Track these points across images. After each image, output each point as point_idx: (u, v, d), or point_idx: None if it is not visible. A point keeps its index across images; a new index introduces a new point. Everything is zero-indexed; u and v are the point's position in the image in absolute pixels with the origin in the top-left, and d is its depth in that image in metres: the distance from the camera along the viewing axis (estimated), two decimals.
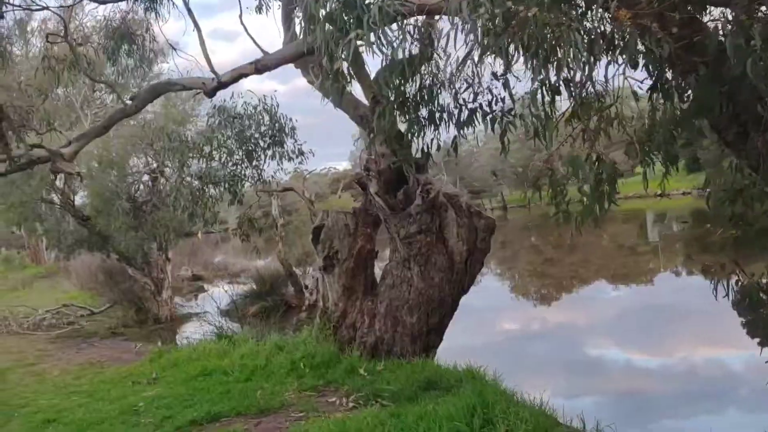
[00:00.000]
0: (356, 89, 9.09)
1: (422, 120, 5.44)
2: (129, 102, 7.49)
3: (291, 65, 8.55)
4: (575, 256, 29.10)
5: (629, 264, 25.02)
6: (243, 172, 10.95)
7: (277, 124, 11.04)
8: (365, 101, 9.15)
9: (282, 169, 11.04)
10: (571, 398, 7.67)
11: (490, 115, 4.86)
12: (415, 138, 5.82)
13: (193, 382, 7.94)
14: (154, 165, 16.21)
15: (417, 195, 8.38)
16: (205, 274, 30.91)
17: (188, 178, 10.76)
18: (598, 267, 24.89)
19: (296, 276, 19.39)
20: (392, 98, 5.17)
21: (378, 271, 9.78)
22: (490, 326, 15.78)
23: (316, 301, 16.77)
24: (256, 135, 10.94)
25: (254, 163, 10.95)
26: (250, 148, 10.94)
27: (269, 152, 11.01)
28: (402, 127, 6.34)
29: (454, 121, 5.11)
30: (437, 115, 5.34)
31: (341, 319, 9.35)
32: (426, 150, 6.00)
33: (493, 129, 4.81)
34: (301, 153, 10.87)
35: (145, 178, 16.23)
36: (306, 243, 19.18)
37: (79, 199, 17.45)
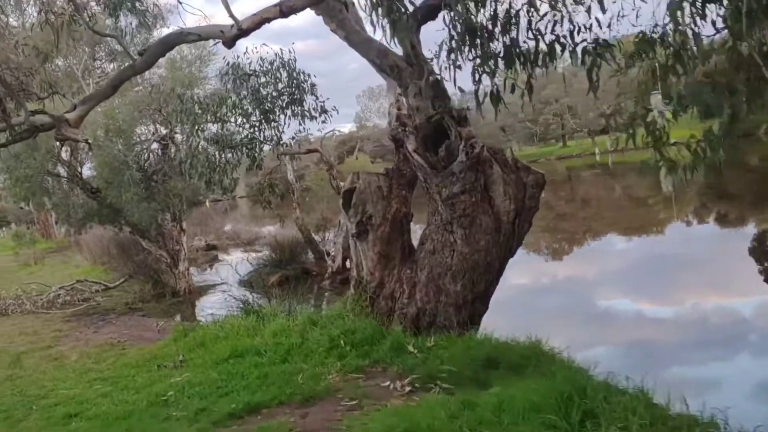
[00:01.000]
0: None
1: (495, 56, 4.58)
2: (138, 57, 6.67)
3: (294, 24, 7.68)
4: (588, 210, 28.46)
5: (642, 216, 24.46)
6: (262, 134, 10.14)
7: (294, 81, 10.16)
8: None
9: (305, 128, 10.21)
10: (582, 349, 7.40)
11: (573, 47, 4.01)
12: (485, 78, 4.91)
13: (224, 365, 7.27)
14: (164, 131, 15.39)
15: (460, 151, 7.55)
16: (219, 243, 30.32)
17: (203, 143, 9.96)
18: (611, 220, 24.47)
19: (315, 242, 18.69)
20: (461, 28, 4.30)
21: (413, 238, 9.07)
22: (501, 281, 15.26)
23: (339, 268, 16.13)
24: (274, 93, 10.08)
25: (273, 124, 10.11)
26: (267, 108, 10.09)
27: (288, 112, 10.15)
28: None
29: (531, 56, 4.26)
30: (513, 49, 4.47)
31: (378, 289, 8.65)
32: (486, 95, 5.10)
33: (583, 62, 3.97)
34: (324, 111, 10.00)
35: (155, 146, 15.42)
36: (323, 208, 18.48)
37: (86, 171, 16.70)
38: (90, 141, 6.61)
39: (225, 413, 5.47)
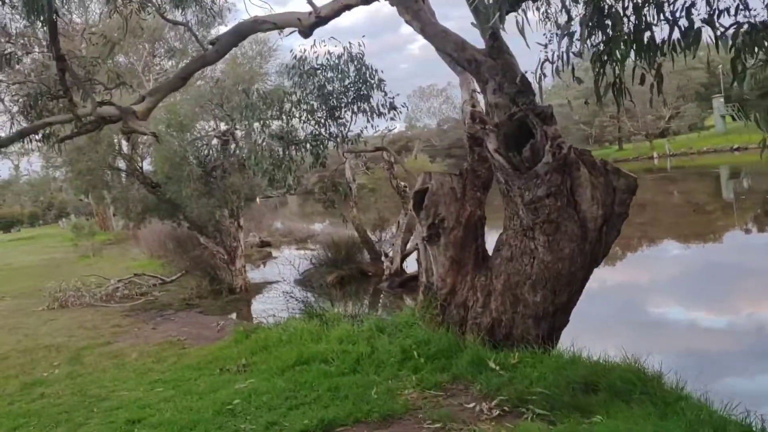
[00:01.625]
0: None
1: (627, 40, 4.03)
2: (209, 47, 6.37)
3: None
4: (644, 215, 27.55)
5: (700, 222, 23.41)
6: (327, 131, 9.76)
7: (362, 77, 9.75)
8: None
9: (372, 126, 9.78)
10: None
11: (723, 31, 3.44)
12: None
13: (290, 372, 6.91)
14: (223, 127, 15.23)
15: (546, 151, 6.99)
16: (272, 240, 30.31)
17: (268, 139, 9.63)
18: (668, 226, 23.59)
19: (371, 242, 18.31)
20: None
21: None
22: None
23: (397, 270, 15.70)
24: (340, 89, 9.69)
25: (339, 121, 9.73)
26: (333, 104, 9.71)
27: (354, 108, 9.75)
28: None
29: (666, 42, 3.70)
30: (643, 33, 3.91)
31: (449, 296, 8.16)
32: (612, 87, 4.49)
33: (728, 49, 3.41)
34: (393, 107, 9.56)
35: (214, 141, 15.27)
36: (380, 207, 18.07)
37: (146, 166, 16.70)
38: (157, 134, 6.38)
39: (298, 430, 5.08)
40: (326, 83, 9.62)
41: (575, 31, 3.88)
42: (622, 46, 4.03)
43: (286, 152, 9.57)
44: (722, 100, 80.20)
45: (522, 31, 3.94)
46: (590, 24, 3.90)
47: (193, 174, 13.73)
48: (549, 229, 7.19)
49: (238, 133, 14.48)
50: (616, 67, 4.32)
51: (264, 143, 9.38)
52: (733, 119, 77.90)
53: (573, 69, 4.49)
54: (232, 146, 15.10)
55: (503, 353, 6.39)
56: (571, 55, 4.13)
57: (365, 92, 9.76)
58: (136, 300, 16.35)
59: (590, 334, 8.54)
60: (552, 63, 4.12)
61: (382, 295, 15.19)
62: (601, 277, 16.03)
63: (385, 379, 6.22)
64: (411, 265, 16.54)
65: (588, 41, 4.05)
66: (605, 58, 4.17)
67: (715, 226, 22.30)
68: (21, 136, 6.42)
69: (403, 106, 9.56)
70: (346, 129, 9.68)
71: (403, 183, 15.06)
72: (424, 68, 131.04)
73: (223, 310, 14.99)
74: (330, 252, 17.96)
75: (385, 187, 17.12)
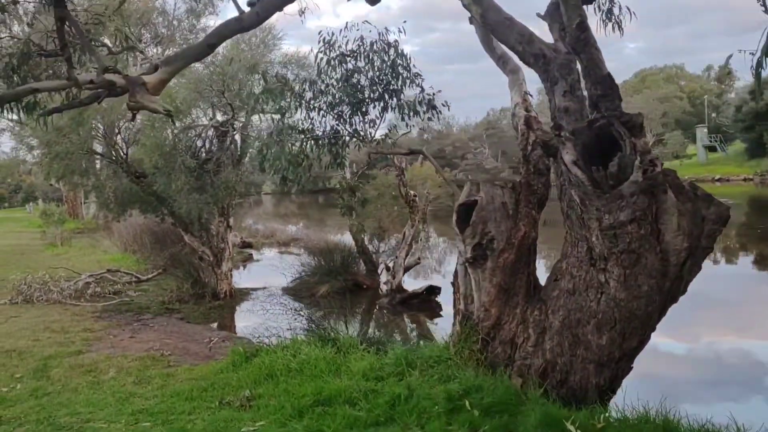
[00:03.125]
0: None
1: None
2: (247, 9, 5.14)
3: None
4: None
5: None
6: (354, 127, 8.53)
7: (395, 68, 8.56)
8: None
9: (407, 124, 8.52)
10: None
11: None
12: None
13: (309, 415, 5.65)
14: (220, 117, 13.90)
15: (635, 168, 5.84)
16: (254, 242, 28.88)
17: (286, 131, 8.31)
18: None
19: (369, 253, 17.08)
20: None
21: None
22: None
23: (399, 286, 14.50)
24: (371, 80, 8.48)
25: (366, 117, 8.51)
26: (361, 97, 8.50)
27: (384, 103, 8.55)
28: None
29: None
30: None
31: (494, 330, 6.98)
32: None
33: None
34: (432, 107, 8.33)
35: (210, 132, 13.92)
36: (382, 216, 16.86)
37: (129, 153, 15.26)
38: (172, 112, 5.09)
39: None
40: (355, 73, 8.39)
41: None
42: None
43: (307, 147, 8.30)
44: (705, 130, 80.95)
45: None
46: None
47: (186, 165, 12.37)
48: (627, 261, 6.05)
49: (237, 124, 13.17)
50: None
51: (281, 136, 8.08)
52: (714, 150, 78.60)
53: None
54: (229, 139, 13.77)
55: (582, 412, 5.20)
56: None
57: (397, 86, 8.55)
58: (109, 299, 14.89)
59: None
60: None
61: (383, 312, 13.96)
62: None
63: None
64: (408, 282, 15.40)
65: None
66: None
67: None
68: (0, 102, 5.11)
69: (443, 106, 8.33)
70: (376, 127, 8.48)
71: (412, 192, 13.87)
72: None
73: (206, 317, 13.63)
74: (322, 259, 16.66)
75: (389, 194, 15.92)
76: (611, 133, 6.04)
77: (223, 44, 14.60)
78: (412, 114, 8.19)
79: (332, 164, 8.91)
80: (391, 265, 14.80)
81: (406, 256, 14.29)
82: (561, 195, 6.69)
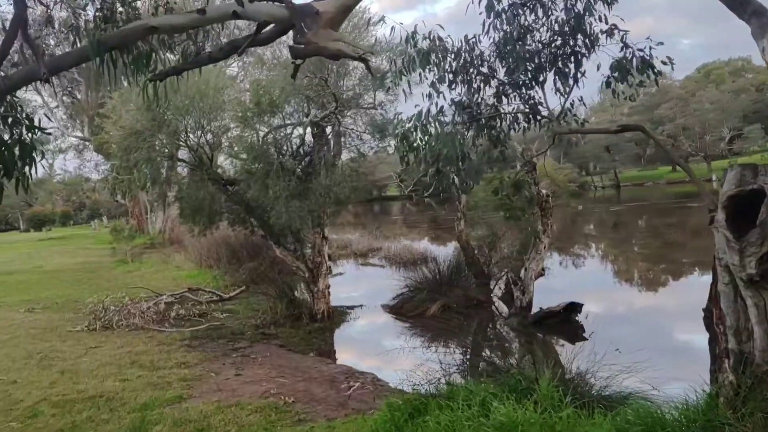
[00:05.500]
0: None
1: None
2: None
3: None
4: (701, 240, 24.82)
5: None
6: (526, 103, 6.46)
7: (576, 23, 6.43)
8: None
9: (617, 94, 6.32)
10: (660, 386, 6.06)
11: None
12: None
13: None
14: (317, 114, 12.05)
15: None
16: (330, 253, 27.04)
17: (450, 112, 6.30)
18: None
19: (480, 264, 14.96)
20: None
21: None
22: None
23: (529, 303, 12.32)
24: (552, 39, 6.38)
25: (547, 87, 6.41)
26: (537, 62, 6.42)
27: (568, 69, 6.44)
28: None
29: None
30: None
31: None
32: None
33: None
34: (649, 65, 6.08)
35: (306, 130, 12.06)
36: (491, 221, 14.74)
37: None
38: (367, 58, 3.31)
39: None
40: (530, 30, 6.33)
41: None
42: None
43: (473, 132, 6.25)
44: None
45: None
46: None
47: (286, 168, 10.52)
48: None
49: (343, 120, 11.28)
50: None
51: (439, 116, 6.05)
52: None
53: None
54: (329, 136, 11.90)
55: None
56: None
57: (582, 49, 6.44)
58: (196, 322, 13.19)
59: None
60: None
61: (518, 335, 11.79)
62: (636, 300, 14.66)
63: None
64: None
65: None
66: None
67: None
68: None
69: (666, 64, 6.04)
70: (566, 100, 6.35)
71: (545, 191, 11.68)
72: None
73: (308, 343, 11.73)
74: (429, 272, 14.61)
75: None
76: None
77: None
78: (621, 78, 6.02)
79: (493, 153, 6.86)
80: (516, 277, 12.59)
81: (538, 267, 12.10)
82: None
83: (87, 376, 9.04)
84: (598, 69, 6.56)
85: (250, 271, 19.35)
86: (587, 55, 6.50)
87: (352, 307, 15.06)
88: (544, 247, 12.10)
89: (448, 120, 6.43)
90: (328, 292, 13.68)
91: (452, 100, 6.27)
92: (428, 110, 6.15)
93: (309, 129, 11.99)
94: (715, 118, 73.90)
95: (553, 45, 6.62)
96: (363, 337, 12.75)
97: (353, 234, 36.53)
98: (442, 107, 6.19)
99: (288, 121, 11.68)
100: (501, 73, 6.75)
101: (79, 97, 42.09)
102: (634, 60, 5.99)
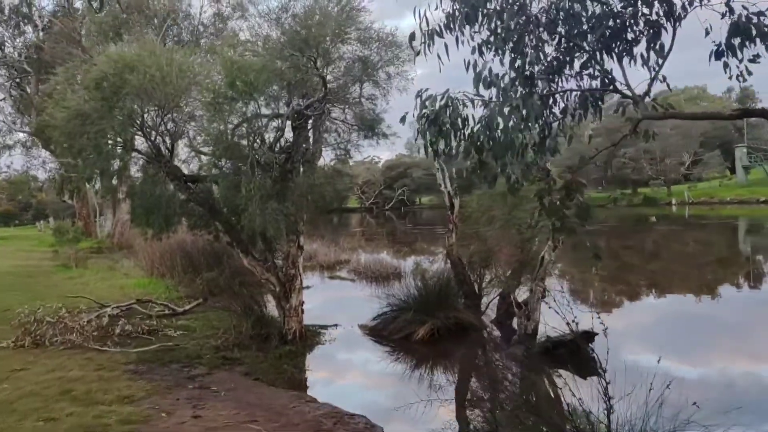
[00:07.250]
0: None
1: None
2: None
3: None
4: (655, 263, 25.92)
5: (711, 273, 22.36)
6: (593, 76, 4.96)
7: None
8: None
9: (725, 66, 4.85)
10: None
11: None
12: None
13: None
14: (299, 103, 10.37)
15: None
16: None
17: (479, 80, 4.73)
18: (679, 276, 21.88)
19: (471, 283, 13.44)
20: None
21: None
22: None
23: (534, 330, 10.82)
24: None
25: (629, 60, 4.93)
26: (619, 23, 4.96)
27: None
28: None
29: None
30: None
31: None
32: None
33: None
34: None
35: (278, 123, 10.32)
36: (493, 234, 13.26)
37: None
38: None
39: None
40: None
41: None
42: None
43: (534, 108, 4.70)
44: (745, 150, 77.16)
45: None
46: None
47: (261, 163, 8.81)
48: None
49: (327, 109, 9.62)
50: None
51: (480, 83, 4.48)
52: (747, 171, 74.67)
53: None
54: (310, 128, 10.23)
55: None
56: None
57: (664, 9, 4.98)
58: (144, 342, 11.25)
59: None
60: None
61: (522, 366, 10.23)
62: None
63: None
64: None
65: None
66: None
67: (721, 278, 21.07)
68: None
69: None
70: (656, 73, 4.85)
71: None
72: None
73: (278, 371, 9.97)
74: (417, 292, 12.98)
75: (505, 205, 12.24)
76: None
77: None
78: (741, 46, 4.55)
79: (541, 146, 5.34)
80: (520, 299, 11.08)
81: (544, 287, 10.62)
82: None
83: (4, 409, 7.11)
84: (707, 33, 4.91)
85: (209, 281, 17.43)
86: (683, 15, 5.01)
87: (325, 327, 13.31)
88: (551, 265, 10.64)
89: (512, 95, 4.85)
90: (302, 310, 11.94)
91: (515, 65, 4.70)
92: (483, 77, 4.58)
93: (289, 121, 10.26)
94: (676, 143, 74.66)
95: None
96: (344, 365, 11.04)
97: (316, 244, 34.68)
98: (498, 75, 4.62)
99: (265, 111, 9.94)
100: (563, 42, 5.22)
101: (28, 90, 39.35)
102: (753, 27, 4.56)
